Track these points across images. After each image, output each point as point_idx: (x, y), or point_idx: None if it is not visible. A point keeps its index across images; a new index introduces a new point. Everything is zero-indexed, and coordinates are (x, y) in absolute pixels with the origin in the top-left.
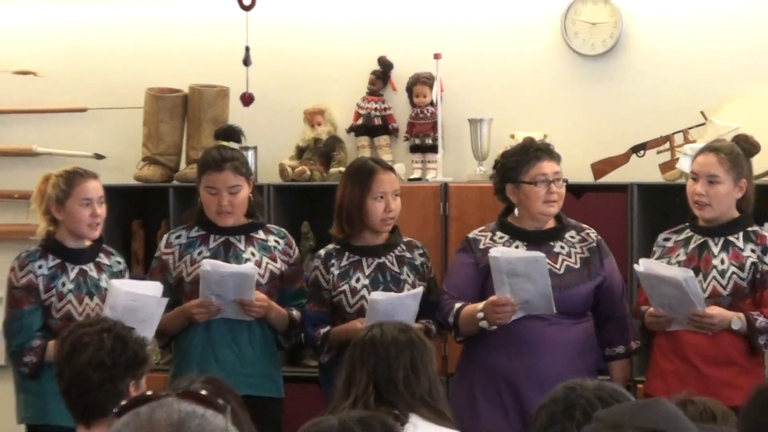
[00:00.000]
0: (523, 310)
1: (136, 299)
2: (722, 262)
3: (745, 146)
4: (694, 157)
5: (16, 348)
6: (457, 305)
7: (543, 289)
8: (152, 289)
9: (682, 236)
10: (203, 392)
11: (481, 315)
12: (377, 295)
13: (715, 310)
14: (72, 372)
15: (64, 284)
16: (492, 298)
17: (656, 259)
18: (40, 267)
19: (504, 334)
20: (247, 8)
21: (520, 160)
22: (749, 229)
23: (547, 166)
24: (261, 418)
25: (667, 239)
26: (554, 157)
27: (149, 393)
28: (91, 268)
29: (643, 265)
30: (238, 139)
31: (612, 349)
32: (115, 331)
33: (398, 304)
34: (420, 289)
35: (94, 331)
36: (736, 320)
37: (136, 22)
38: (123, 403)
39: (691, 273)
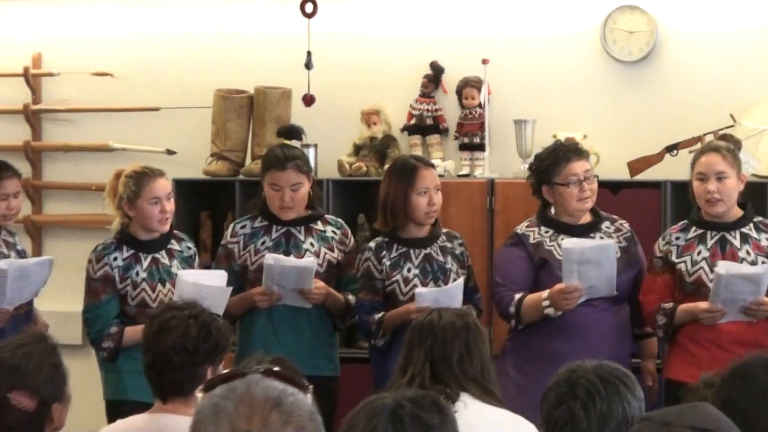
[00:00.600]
0: (587, 295)
1: (202, 290)
2: (748, 253)
3: (732, 144)
4: (695, 159)
5: (95, 335)
6: (518, 296)
7: (609, 273)
8: (217, 278)
9: (692, 233)
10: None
11: (546, 303)
12: (423, 290)
13: (766, 298)
14: (156, 351)
15: (138, 273)
16: (559, 286)
17: (677, 257)
18: (115, 259)
19: (559, 320)
20: (309, 16)
21: (552, 163)
22: (755, 219)
23: (578, 166)
24: (319, 395)
25: (678, 237)
26: (583, 155)
27: (234, 370)
28: (163, 256)
29: (724, 268)
30: (299, 137)
31: (642, 329)
32: (201, 319)
33: (443, 296)
34: (462, 280)
35: (183, 317)
36: None
37: (207, 29)
38: (209, 379)
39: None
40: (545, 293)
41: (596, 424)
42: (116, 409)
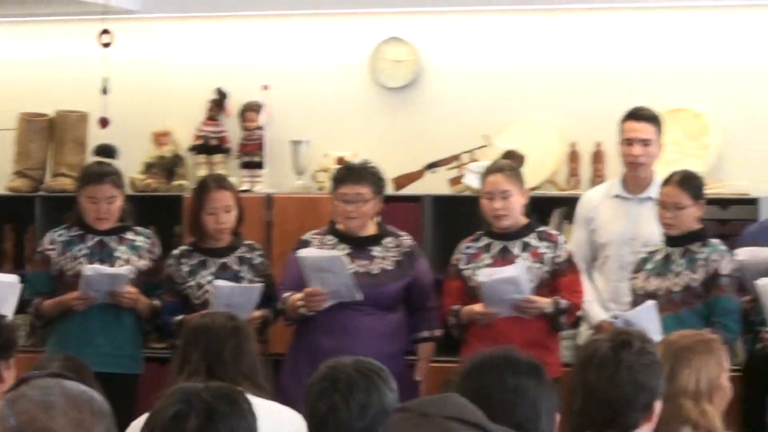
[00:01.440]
0: (333, 299)
1: None
2: (526, 260)
3: (515, 161)
4: (483, 179)
5: None
6: (285, 295)
7: (344, 279)
8: (9, 277)
9: (481, 243)
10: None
11: (300, 303)
12: (220, 283)
13: (535, 297)
14: None
15: None
16: (306, 289)
17: (464, 265)
18: None
19: (327, 320)
20: (105, 45)
21: (334, 180)
22: (539, 229)
23: (347, 188)
24: (126, 390)
25: (469, 247)
26: (359, 179)
27: (33, 372)
28: None
29: (484, 275)
30: (113, 155)
31: (418, 334)
32: None
33: (238, 293)
34: (260, 285)
35: None
36: (548, 304)
37: (11, 57)
38: (16, 382)
39: (523, 264)
40: (299, 295)
41: (356, 413)
42: None
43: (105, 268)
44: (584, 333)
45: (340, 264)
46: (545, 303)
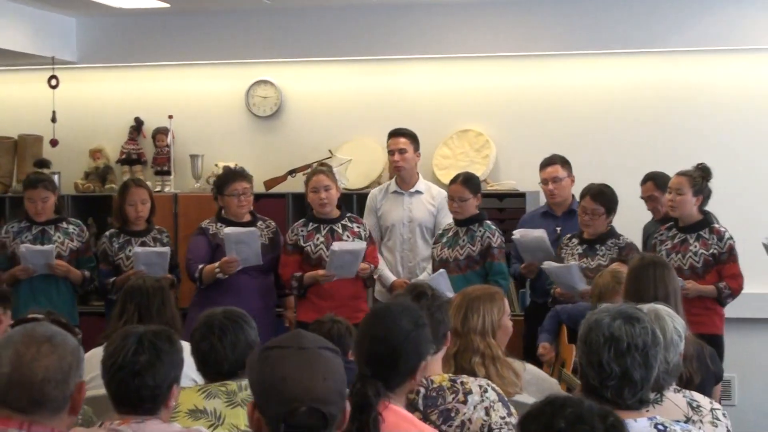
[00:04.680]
0: (243, 263)
1: None
2: (348, 237)
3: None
4: (309, 179)
5: None
6: (200, 266)
7: (255, 248)
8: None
9: (311, 227)
10: (63, 320)
11: (218, 270)
12: (138, 249)
13: (365, 264)
14: None
15: None
16: (224, 258)
17: (304, 242)
18: None
19: (227, 282)
20: (53, 87)
21: (223, 181)
22: (349, 215)
23: (238, 185)
24: None
25: (302, 229)
26: (245, 178)
27: (33, 315)
28: None
29: (337, 246)
30: (48, 166)
31: (282, 291)
32: None
33: (153, 256)
34: (168, 249)
35: None
36: (369, 268)
37: None
38: (15, 320)
39: (362, 243)
40: (217, 264)
41: (230, 348)
42: None
43: (35, 246)
44: (378, 290)
45: (254, 236)
46: (368, 267)
